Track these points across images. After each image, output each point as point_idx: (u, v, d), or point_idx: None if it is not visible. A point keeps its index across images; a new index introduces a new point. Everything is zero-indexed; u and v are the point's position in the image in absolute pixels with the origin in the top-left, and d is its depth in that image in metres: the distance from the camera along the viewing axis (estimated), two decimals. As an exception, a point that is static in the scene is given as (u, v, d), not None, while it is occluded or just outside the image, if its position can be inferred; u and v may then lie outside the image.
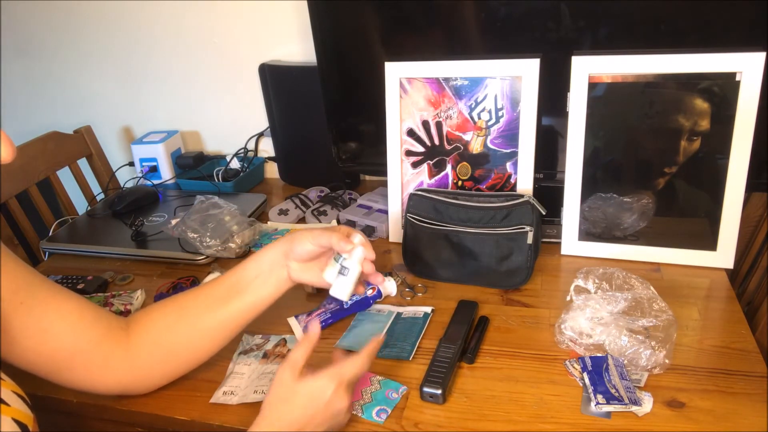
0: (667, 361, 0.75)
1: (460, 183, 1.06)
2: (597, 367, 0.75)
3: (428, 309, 0.90)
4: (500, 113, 1.00)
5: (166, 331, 0.75)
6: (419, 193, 0.99)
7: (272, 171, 1.51)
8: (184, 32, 1.42)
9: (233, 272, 0.78)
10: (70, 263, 1.17)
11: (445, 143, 1.04)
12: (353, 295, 0.78)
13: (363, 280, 0.80)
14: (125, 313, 0.95)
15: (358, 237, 0.77)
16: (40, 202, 1.33)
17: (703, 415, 0.70)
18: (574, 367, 0.77)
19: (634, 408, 0.70)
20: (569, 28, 0.98)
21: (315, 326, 0.71)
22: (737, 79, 0.88)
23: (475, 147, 1.03)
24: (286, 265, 0.78)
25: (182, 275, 1.07)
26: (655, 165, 0.98)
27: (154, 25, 1.43)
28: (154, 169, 1.45)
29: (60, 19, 1.50)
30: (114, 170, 1.50)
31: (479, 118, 1.01)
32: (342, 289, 0.77)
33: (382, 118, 1.05)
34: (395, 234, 1.10)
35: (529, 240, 0.91)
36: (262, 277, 0.77)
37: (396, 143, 1.06)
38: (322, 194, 1.30)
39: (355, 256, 0.75)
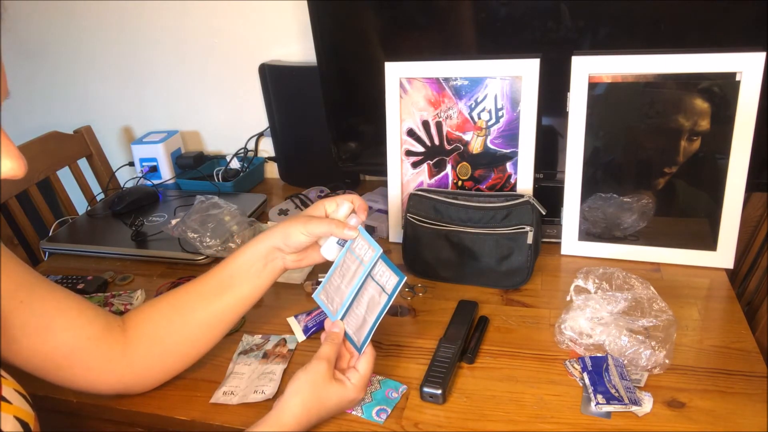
0: (667, 361, 0.75)
1: (460, 183, 1.06)
2: (597, 367, 0.75)
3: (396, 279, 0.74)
4: (500, 113, 1.00)
5: (162, 327, 0.75)
6: (419, 193, 0.99)
7: (272, 171, 1.51)
8: (184, 32, 1.42)
9: (225, 264, 0.78)
10: (70, 263, 1.17)
11: (445, 143, 1.04)
12: None
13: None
14: (125, 313, 0.95)
15: (345, 205, 0.78)
16: (40, 202, 1.33)
17: (703, 415, 0.70)
18: (574, 367, 0.77)
19: (634, 408, 0.70)
20: (569, 28, 0.98)
21: (339, 325, 0.74)
22: (737, 79, 0.88)
23: (475, 147, 1.03)
24: (282, 258, 0.78)
25: (182, 275, 1.07)
26: (655, 165, 0.98)
27: (154, 25, 1.44)
28: (154, 169, 1.45)
29: (60, 20, 1.50)
30: (114, 170, 1.50)
31: (479, 118, 1.01)
32: (332, 253, 0.78)
33: (382, 118, 1.05)
34: (395, 234, 1.10)
35: (529, 240, 0.91)
36: (256, 268, 0.77)
37: (396, 143, 1.06)
38: (322, 194, 1.30)
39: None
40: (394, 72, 1.03)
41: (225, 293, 0.76)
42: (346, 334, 0.74)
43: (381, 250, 0.74)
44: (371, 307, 0.74)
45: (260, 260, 0.77)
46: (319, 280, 0.98)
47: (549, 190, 1.04)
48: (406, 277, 0.72)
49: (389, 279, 0.74)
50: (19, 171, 0.51)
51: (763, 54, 0.86)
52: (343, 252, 0.77)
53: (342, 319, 0.75)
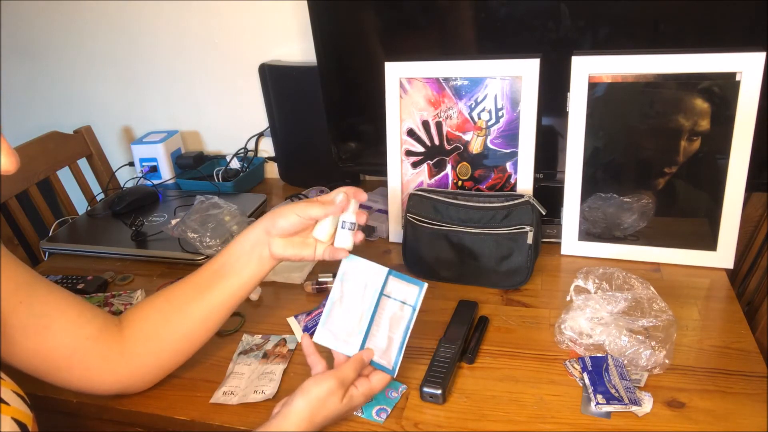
0: (667, 361, 0.75)
1: (460, 183, 1.06)
2: (597, 367, 0.75)
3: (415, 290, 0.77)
4: (500, 113, 1.00)
5: (159, 323, 0.75)
6: (419, 193, 0.99)
7: (272, 171, 1.51)
8: (184, 32, 1.42)
9: (217, 257, 0.78)
10: (70, 263, 1.17)
11: (445, 143, 1.04)
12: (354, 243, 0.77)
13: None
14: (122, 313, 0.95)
15: (340, 196, 0.76)
16: (40, 202, 1.33)
17: (703, 415, 0.70)
18: (574, 367, 0.77)
19: (634, 408, 0.70)
20: (569, 28, 0.98)
21: (370, 354, 0.72)
22: (737, 79, 0.88)
23: (475, 147, 1.03)
24: (268, 243, 0.76)
25: (182, 275, 1.06)
26: (655, 165, 0.98)
27: (154, 25, 1.43)
28: (154, 169, 1.45)
29: (60, 19, 1.50)
30: (114, 170, 1.50)
31: (479, 118, 1.01)
32: (346, 240, 0.76)
33: (382, 118, 1.05)
34: (395, 234, 1.10)
35: (529, 240, 0.91)
36: (244, 258, 0.77)
37: (396, 143, 1.06)
38: (322, 194, 1.30)
39: (351, 209, 0.75)
40: (394, 72, 1.03)
41: (217, 285, 0.77)
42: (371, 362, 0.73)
43: (388, 269, 0.74)
44: (395, 324, 0.74)
45: (249, 248, 0.77)
46: (320, 280, 0.99)
47: (549, 190, 1.04)
48: (426, 284, 0.72)
49: (408, 291, 0.74)
50: (10, 167, 0.52)
51: (763, 54, 0.86)
52: (337, 286, 0.76)
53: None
